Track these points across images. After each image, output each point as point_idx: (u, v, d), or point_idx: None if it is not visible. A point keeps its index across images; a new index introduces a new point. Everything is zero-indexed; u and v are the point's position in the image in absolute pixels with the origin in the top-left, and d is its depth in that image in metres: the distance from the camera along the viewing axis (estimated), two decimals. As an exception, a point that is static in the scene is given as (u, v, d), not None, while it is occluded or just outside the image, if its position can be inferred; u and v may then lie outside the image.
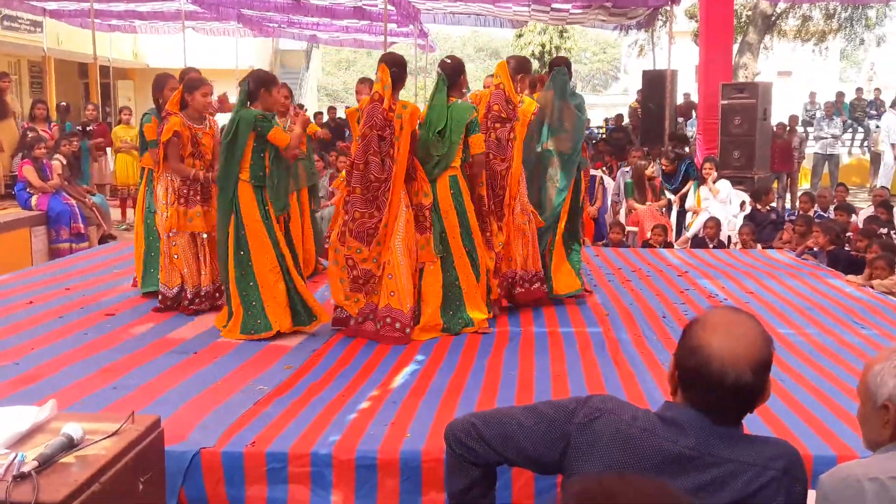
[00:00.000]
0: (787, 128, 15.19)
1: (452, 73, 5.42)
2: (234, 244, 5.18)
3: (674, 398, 2.00)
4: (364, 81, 7.35)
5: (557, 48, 33.13)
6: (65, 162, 10.39)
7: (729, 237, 10.05)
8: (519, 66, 5.97)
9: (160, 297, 5.85)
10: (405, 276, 5.18)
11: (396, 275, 5.17)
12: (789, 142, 14.90)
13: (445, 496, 2.27)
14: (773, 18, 21.37)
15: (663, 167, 11.08)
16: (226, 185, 5.19)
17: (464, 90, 5.61)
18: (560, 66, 6.22)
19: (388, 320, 5.16)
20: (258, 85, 5.21)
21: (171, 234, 5.68)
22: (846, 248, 8.16)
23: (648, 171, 10.74)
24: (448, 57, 5.69)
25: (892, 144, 16.15)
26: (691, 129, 16.33)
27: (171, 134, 5.53)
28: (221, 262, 5.33)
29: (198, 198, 5.68)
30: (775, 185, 13.93)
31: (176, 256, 5.72)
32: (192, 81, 5.66)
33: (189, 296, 5.76)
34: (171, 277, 5.77)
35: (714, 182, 10.47)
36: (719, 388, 1.88)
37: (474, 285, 5.41)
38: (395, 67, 5.19)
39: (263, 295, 5.17)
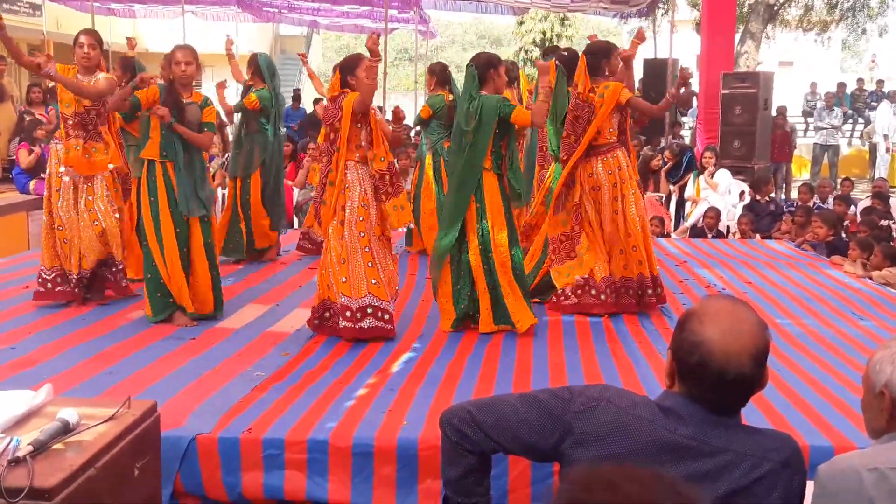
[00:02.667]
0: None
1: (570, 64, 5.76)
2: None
3: (671, 388, 2.00)
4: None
5: (559, 35, 33.01)
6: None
7: (728, 227, 10.04)
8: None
9: None
10: None
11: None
12: (789, 132, 14.86)
13: (441, 483, 2.26)
14: (776, 8, 21.29)
15: (667, 160, 11.06)
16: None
17: None
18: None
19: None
20: (486, 67, 5.06)
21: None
22: (844, 238, 8.15)
23: (654, 163, 10.72)
24: (566, 49, 6.09)
25: (885, 136, 16.15)
26: (691, 119, 16.29)
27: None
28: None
29: None
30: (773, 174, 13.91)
31: None
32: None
33: None
34: None
35: (714, 171, 10.45)
36: (722, 383, 1.88)
37: None
38: (590, 55, 5.58)
39: None
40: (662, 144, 12.39)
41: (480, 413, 2.13)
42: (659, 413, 1.95)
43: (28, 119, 10.57)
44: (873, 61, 26.53)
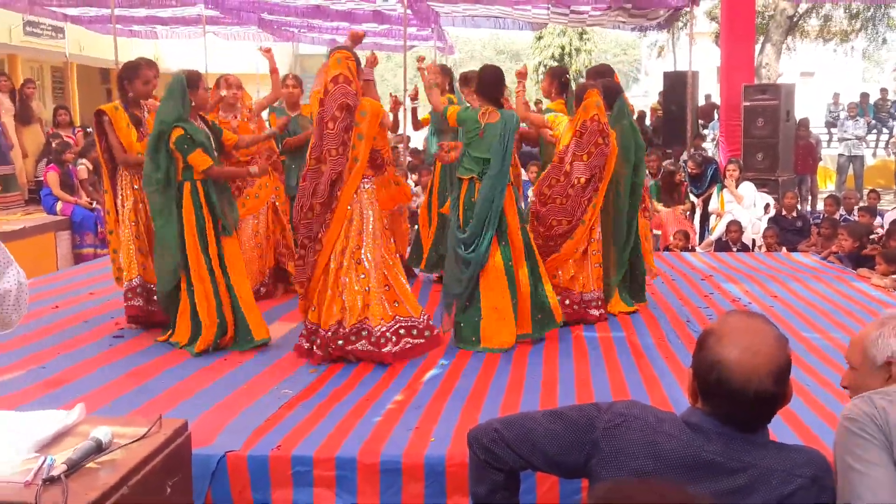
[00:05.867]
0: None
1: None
2: None
3: (695, 405, 2.01)
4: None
5: (577, 50, 33.07)
6: (91, 167, 10.47)
7: (753, 240, 9.98)
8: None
9: None
10: None
11: None
12: (813, 144, 14.77)
13: (470, 500, 2.26)
14: (795, 19, 21.21)
15: (690, 171, 11.00)
16: None
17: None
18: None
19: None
20: None
21: None
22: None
23: (676, 178, 10.68)
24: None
25: None
26: (713, 132, 16.23)
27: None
28: None
29: None
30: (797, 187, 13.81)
31: None
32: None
33: None
34: None
35: (737, 184, 10.40)
36: (742, 401, 1.89)
37: None
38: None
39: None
40: (684, 157, 12.35)
41: (508, 430, 2.14)
42: (686, 430, 1.95)
43: (56, 142, 10.70)
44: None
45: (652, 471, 1.91)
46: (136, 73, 5.40)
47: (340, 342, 4.68)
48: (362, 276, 4.71)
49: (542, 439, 2.09)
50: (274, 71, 6.54)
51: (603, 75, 6.20)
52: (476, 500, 2.25)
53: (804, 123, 14.89)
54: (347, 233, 4.75)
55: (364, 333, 4.67)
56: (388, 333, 4.72)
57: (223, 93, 6.10)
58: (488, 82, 5.19)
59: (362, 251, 4.74)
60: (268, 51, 6.53)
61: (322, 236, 4.74)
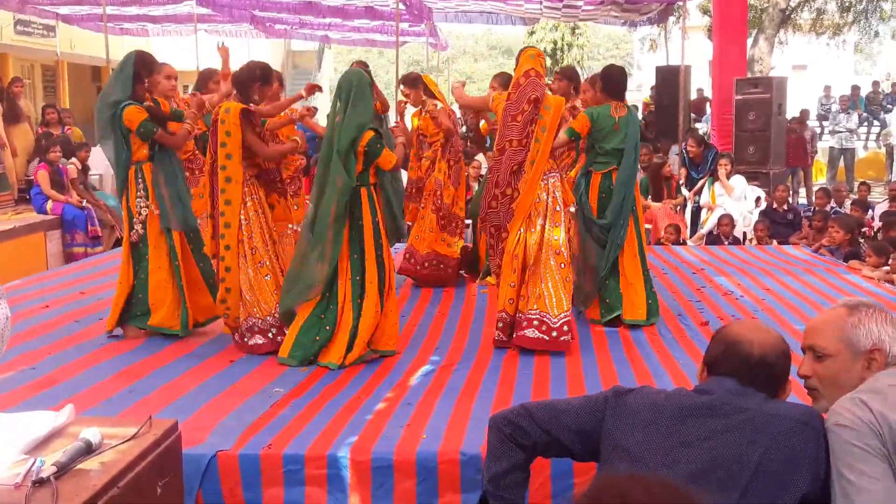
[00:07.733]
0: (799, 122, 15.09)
1: None
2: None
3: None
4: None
5: (570, 45, 33.09)
6: (80, 166, 10.46)
7: (744, 233, 10.00)
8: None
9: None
10: None
11: None
12: (804, 136, 14.81)
13: (483, 479, 2.46)
14: (788, 12, 21.24)
15: (689, 151, 10.96)
16: None
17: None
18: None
19: None
20: None
21: None
22: (861, 243, 8.09)
23: (665, 171, 10.68)
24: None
25: None
26: (705, 125, 16.26)
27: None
28: None
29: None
30: (789, 180, 13.84)
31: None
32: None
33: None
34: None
35: (728, 177, 10.42)
36: (748, 362, 2.21)
37: None
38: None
39: None
40: (675, 151, 12.33)
41: (534, 407, 2.40)
42: (687, 391, 2.29)
43: (46, 140, 10.68)
44: (887, 79, 26.16)
45: (654, 421, 2.18)
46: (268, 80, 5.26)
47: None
48: (562, 265, 4.89)
49: (564, 410, 2.35)
50: (226, 73, 6.15)
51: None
52: (491, 478, 2.37)
53: (803, 117, 14.96)
54: (535, 225, 4.90)
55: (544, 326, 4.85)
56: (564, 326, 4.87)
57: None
58: (615, 79, 5.53)
59: (560, 242, 4.89)
60: (225, 50, 6.24)
61: (509, 225, 4.95)
